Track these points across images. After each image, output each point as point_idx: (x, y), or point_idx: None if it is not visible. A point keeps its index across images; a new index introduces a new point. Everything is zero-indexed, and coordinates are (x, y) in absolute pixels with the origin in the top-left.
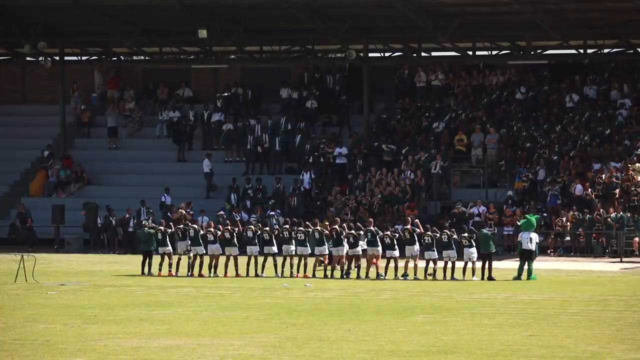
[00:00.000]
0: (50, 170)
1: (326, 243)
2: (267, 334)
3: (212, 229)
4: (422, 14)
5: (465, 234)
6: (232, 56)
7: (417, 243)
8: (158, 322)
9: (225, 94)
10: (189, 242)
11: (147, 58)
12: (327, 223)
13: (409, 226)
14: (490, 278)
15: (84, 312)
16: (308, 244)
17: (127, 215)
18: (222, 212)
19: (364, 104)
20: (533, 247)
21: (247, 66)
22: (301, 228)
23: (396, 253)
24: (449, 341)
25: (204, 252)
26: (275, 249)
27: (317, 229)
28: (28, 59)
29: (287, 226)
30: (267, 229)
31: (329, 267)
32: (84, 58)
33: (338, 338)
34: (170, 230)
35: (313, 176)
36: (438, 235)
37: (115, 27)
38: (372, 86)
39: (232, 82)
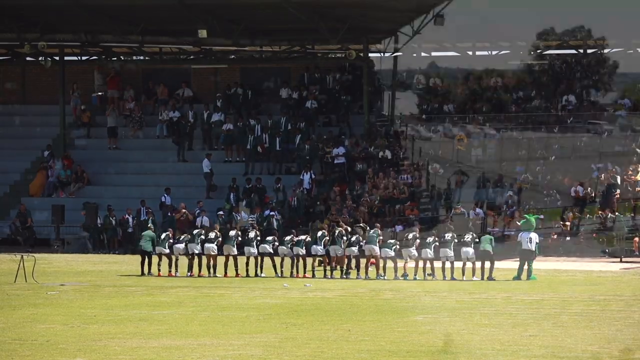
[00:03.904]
0: (50, 170)
1: (323, 243)
2: (267, 334)
3: (213, 231)
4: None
5: (469, 235)
6: (232, 56)
7: (413, 247)
8: (158, 322)
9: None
10: (187, 245)
11: (147, 58)
12: (326, 223)
13: (411, 234)
14: (490, 278)
15: (84, 312)
16: (305, 245)
17: (127, 215)
18: (221, 212)
19: (364, 104)
20: (533, 247)
21: (247, 66)
22: (298, 229)
23: (391, 252)
24: (448, 341)
25: (203, 252)
26: (269, 248)
27: (318, 228)
28: (28, 59)
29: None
30: (265, 225)
31: (328, 267)
32: (84, 58)
33: (338, 338)
34: (168, 233)
35: (313, 176)
36: (434, 237)
37: (115, 27)
38: (372, 86)
39: (232, 82)
